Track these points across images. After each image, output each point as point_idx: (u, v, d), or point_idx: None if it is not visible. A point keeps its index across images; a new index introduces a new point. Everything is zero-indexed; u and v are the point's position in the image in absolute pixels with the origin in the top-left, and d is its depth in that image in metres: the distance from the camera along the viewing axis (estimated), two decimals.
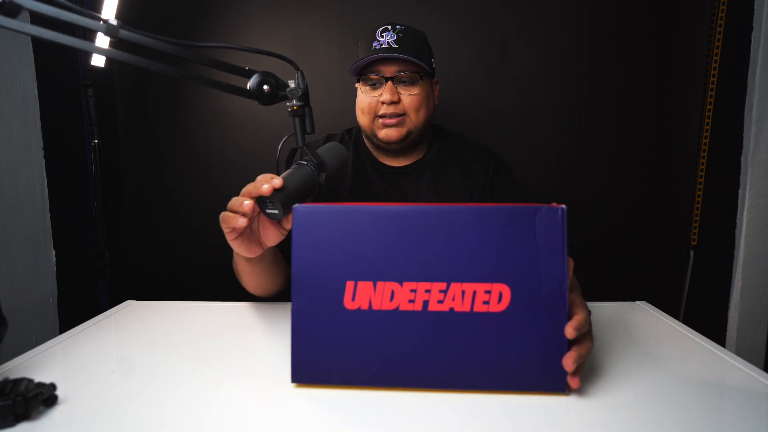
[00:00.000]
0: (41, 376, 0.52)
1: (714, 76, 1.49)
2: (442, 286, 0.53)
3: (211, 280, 1.63)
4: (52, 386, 0.50)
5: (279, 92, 0.68)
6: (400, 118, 0.96)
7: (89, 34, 0.61)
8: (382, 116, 0.96)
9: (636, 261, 1.55)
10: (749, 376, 0.57)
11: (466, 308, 0.52)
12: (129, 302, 0.90)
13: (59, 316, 1.59)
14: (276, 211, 0.66)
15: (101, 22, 0.57)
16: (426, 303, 0.53)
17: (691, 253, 1.57)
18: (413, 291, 0.53)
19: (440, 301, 0.52)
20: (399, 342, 0.53)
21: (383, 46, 0.94)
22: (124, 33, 0.58)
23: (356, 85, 1.03)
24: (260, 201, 0.67)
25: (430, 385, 0.53)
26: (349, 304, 0.54)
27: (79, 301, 1.66)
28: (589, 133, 1.52)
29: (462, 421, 0.48)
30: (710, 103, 1.50)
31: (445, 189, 1.01)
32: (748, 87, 1.51)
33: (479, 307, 0.52)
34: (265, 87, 0.66)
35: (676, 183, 1.54)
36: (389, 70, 0.95)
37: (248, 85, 0.66)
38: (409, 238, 0.53)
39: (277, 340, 0.71)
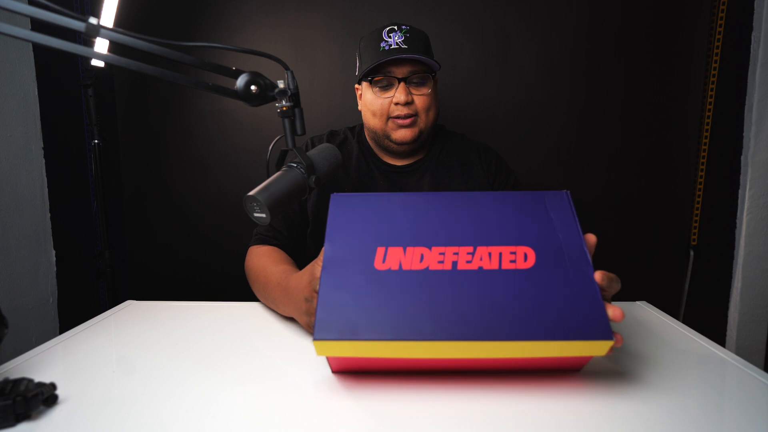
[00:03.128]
0: (41, 376, 0.52)
1: (714, 76, 1.49)
2: (470, 249, 0.55)
3: (211, 280, 1.63)
4: (52, 386, 0.50)
5: (268, 93, 0.67)
6: (412, 119, 0.96)
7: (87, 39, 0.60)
8: (396, 117, 0.95)
9: (636, 261, 1.55)
10: (749, 376, 0.57)
11: (494, 266, 0.54)
12: (129, 302, 0.90)
13: (59, 316, 1.59)
14: (263, 215, 0.65)
15: (81, 22, 0.57)
16: (455, 263, 0.54)
17: (691, 253, 1.57)
18: (442, 254, 0.55)
19: (468, 261, 0.54)
20: (428, 298, 0.52)
21: (392, 46, 0.93)
22: (105, 32, 0.58)
23: (358, 86, 1.02)
24: (248, 204, 0.67)
25: (462, 336, 0.49)
26: (379, 265, 0.54)
27: (79, 301, 1.66)
28: (589, 133, 1.52)
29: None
30: (710, 103, 1.50)
31: (446, 188, 1.01)
32: (748, 87, 1.51)
33: (507, 265, 0.54)
34: (253, 87, 0.65)
35: (676, 183, 1.54)
36: (401, 71, 0.94)
37: (236, 86, 0.65)
38: (435, 215, 0.59)
39: (278, 340, 0.71)
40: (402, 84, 0.93)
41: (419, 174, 1.03)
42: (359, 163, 1.03)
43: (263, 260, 0.90)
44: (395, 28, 0.95)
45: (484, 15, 1.50)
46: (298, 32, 1.53)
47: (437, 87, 1.04)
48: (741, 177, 1.54)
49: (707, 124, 1.52)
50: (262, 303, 0.86)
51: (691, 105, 1.50)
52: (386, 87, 0.96)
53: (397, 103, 0.94)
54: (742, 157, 1.53)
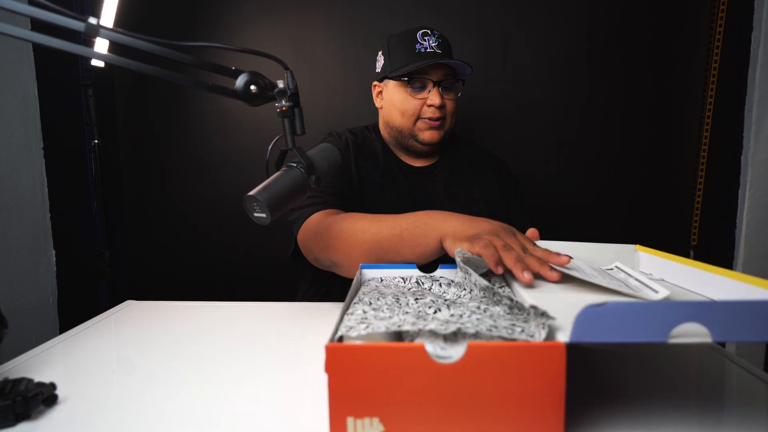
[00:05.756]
0: (41, 376, 0.52)
1: (714, 76, 1.49)
2: None
3: (211, 279, 1.63)
4: (52, 386, 0.50)
5: (267, 93, 0.67)
6: (441, 121, 0.98)
7: (88, 39, 0.61)
8: (427, 118, 0.97)
9: None
10: (749, 376, 0.57)
11: None
12: (129, 302, 0.90)
13: (59, 316, 1.60)
14: (263, 215, 0.65)
15: (81, 22, 0.57)
16: None
17: (691, 253, 1.57)
18: None
19: None
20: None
21: (428, 50, 0.95)
22: (104, 32, 0.58)
23: (377, 83, 1.03)
24: (248, 204, 0.66)
25: None
26: None
27: (79, 301, 1.66)
28: (589, 133, 1.52)
29: None
30: (710, 103, 1.50)
31: (460, 191, 1.03)
32: (748, 87, 1.51)
33: None
34: (252, 87, 0.65)
35: (676, 183, 1.54)
36: (437, 74, 0.96)
37: (235, 86, 0.65)
38: None
39: (277, 340, 0.71)
40: (436, 88, 0.95)
41: (433, 176, 1.05)
42: (385, 159, 1.04)
43: (351, 221, 0.80)
44: (428, 31, 0.97)
45: (484, 15, 1.50)
46: (298, 32, 1.53)
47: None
48: (741, 177, 1.54)
49: (707, 124, 1.52)
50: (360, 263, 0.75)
51: (691, 105, 1.50)
52: (420, 88, 0.97)
53: (430, 105, 0.96)
54: (742, 157, 1.53)
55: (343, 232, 0.79)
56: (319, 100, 1.53)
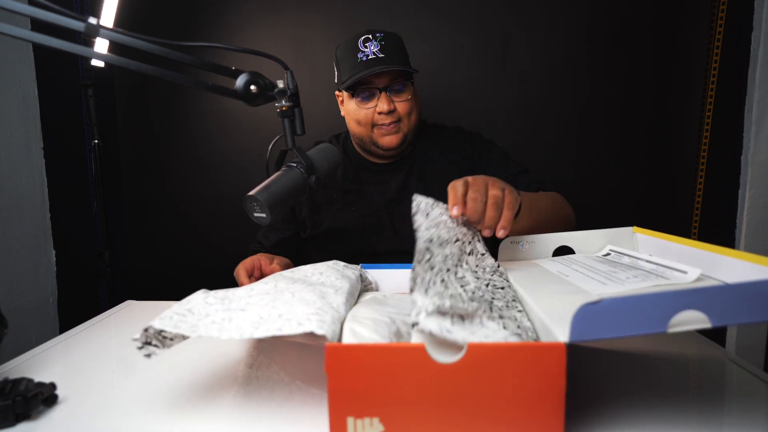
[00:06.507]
0: (41, 376, 0.52)
1: (714, 76, 1.49)
2: None
3: (211, 280, 1.63)
4: (52, 386, 0.50)
5: (267, 93, 0.67)
6: (396, 125, 0.98)
7: (87, 39, 0.61)
8: (381, 125, 0.98)
9: None
10: (749, 376, 0.57)
11: None
12: (129, 302, 0.90)
13: (59, 316, 1.59)
14: (263, 215, 0.65)
15: (81, 22, 0.57)
16: None
17: None
18: None
19: None
20: None
21: (369, 57, 0.94)
22: (104, 32, 0.58)
23: (338, 93, 1.03)
24: (248, 204, 0.66)
25: None
26: None
27: (79, 301, 1.66)
28: (589, 133, 1.52)
29: None
30: (710, 103, 1.50)
31: (433, 178, 1.03)
32: (748, 87, 1.51)
33: None
34: (252, 87, 0.65)
35: (676, 183, 1.54)
36: (381, 81, 0.95)
37: (235, 86, 0.65)
38: None
39: (277, 340, 0.70)
40: (383, 94, 0.95)
41: (406, 170, 1.05)
42: (345, 170, 1.06)
43: None
44: (370, 36, 0.96)
45: (484, 15, 1.50)
46: (298, 32, 1.53)
47: (414, 87, 1.04)
48: (741, 177, 1.54)
49: (707, 124, 1.52)
50: None
51: (691, 105, 1.50)
52: (368, 97, 0.97)
53: (380, 113, 0.96)
54: (742, 157, 1.53)
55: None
56: (319, 100, 1.53)
